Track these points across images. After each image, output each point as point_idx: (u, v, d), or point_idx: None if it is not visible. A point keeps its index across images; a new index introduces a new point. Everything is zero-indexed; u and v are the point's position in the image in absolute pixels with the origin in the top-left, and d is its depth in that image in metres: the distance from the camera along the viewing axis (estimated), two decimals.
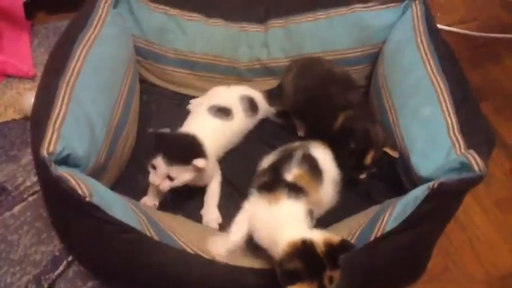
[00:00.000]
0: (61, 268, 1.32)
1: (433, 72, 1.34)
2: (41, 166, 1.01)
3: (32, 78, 1.81)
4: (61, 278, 1.30)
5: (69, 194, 0.97)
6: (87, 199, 0.98)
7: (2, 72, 1.81)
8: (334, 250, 1.00)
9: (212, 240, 1.16)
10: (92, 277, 1.30)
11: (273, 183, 1.16)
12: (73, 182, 0.98)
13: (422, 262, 1.22)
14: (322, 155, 1.32)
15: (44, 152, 1.00)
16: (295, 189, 1.14)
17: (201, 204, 1.36)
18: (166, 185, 1.24)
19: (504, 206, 1.54)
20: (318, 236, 1.02)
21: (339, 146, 1.35)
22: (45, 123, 1.06)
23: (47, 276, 1.30)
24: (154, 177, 1.24)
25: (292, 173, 1.19)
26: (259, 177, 1.25)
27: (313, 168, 1.25)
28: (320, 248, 1.00)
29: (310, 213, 1.14)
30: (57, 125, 1.06)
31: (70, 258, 1.33)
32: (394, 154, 1.35)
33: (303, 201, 1.13)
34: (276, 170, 1.22)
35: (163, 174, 1.23)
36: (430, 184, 1.07)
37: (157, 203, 1.34)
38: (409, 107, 1.35)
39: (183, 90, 1.67)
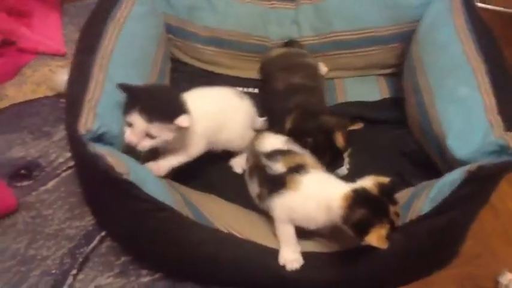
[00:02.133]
0: (94, 243, 1.33)
1: (470, 52, 1.31)
2: (77, 144, 1.02)
3: (63, 56, 1.83)
4: (94, 253, 1.32)
5: (106, 171, 0.98)
6: (125, 177, 0.99)
7: (34, 50, 1.83)
8: (388, 188, 1.03)
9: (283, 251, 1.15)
10: (124, 253, 1.31)
11: (279, 178, 1.14)
12: (110, 159, 0.98)
13: (455, 246, 1.22)
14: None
15: (81, 130, 1.01)
16: (299, 168, 1.13)
17: None
18: (146, 144, 1.11)
19: None
20: (366, 182, 1.04)
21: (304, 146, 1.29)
22: (80, 102, 1.07)
23: (81, 251, 1.32)
24: (131, 136, 1.10)
25: (282, 163, 1.17)
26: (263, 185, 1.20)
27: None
28: (374, 190, 1.02)
29: None
30: (92, 104, 1.07)
31: (103, 234, 1.35)
32: (359, 126, 1.35)
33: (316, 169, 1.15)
34: (264, 170, 1.18)
35: (142, 132, 1.10)
36: (468, 167, 1.05)
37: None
38: (446, 87, 1.32)
39: (212, 68, 1.67)
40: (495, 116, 1.18)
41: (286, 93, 1.45)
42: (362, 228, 0.98)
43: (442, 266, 1.24)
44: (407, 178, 1.34)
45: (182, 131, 1.13)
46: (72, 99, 1.10)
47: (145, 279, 1.27)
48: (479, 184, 1.09)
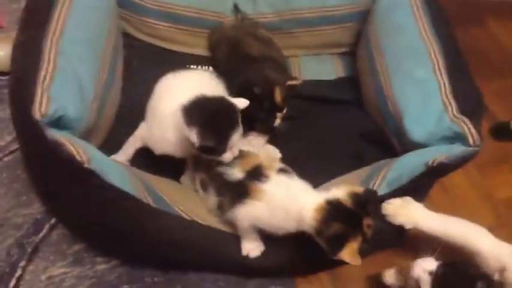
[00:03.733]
0: (44, 231, 1.26)
1: (426, 34, 1.34)
2: (32, 130, 0.93)
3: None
4: (44, 242, 1.25)
5: (65, 159, 0.91)
6: (86, 165, 0.92)
7: None
8: (361, 199, 1.00)
9: None
10: (77, 241, 1.25)
11: (239, 186, 1.09)
12: (70, 147, 0.91)
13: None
14: None
15: (37, 114, 0.92)
16: (257, 174, 1.08)
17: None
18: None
19: (483, 168, 1.57)
20: (339, 192, 1.01)
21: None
22: (32, 82, 0.98)
23: (30, 240, 1.24)
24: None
25: (238, 167, 1.12)
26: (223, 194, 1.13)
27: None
28: (347, 201, 0.99)
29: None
30: (46, 85, 0.98)
31: (53, 221, 1.28)
32: (297, 82, 1.35)
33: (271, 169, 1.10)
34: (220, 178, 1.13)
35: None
36: (429, 161, 1.08)
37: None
38: (403, 69, 1.34)
39: (165, 45, 1.60)
40: (449, 97, 1.22)
41: (240, 58, 1.43)
42: (336, 243, 0.96)
43: (397, 244, 1.27)
44: (366, 159, 1.36)
45: None
46: (21, 79, 1.01)
47: (101, 266, 1.23)
48: (437, 175, 1.14)
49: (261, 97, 1.26)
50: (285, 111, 1.32)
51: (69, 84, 1.05)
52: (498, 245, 1.08)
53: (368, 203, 1.00)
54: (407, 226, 1.12)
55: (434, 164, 1.07)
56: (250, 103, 1.13)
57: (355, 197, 0.99)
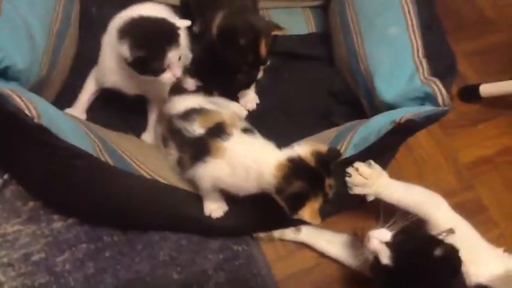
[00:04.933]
0: None
1: None
2: None
3: None
4: None
5: (12, 114, 0.85)
6: (36, 120, 0.86)
7: None
8: (325, 158, 0.97)
9: None
10: (32, 197, 1.20)
11: (200, 143, 1.05)
12: (18, 100, 0.85)
13: None
14: None
15: None
16: (218, 131, 1.04)
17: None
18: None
19: (448, 128, 1.58)
20: (302, 150, 0.97)
21: (228, 48, 1.21)
22: None
23: None
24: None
25: (197, 123, 1.08)
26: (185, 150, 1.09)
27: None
28: (310, 160, 0.95)
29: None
30: None
31: (6, 177, 1.20)
32: (283, 32, 1.26)
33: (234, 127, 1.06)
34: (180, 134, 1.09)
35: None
36: (397, 119, 1.05)
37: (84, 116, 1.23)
38: (376, 27, 1.30)
39: None
40: (421, 58, 1.19)
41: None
42: (296, 201, 0.93)
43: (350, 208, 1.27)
44: (334, 118, 1.34)
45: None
46: None
47: (58, 224, 1.18)
48: (404, 134, 1.12)
49: (245, 49, 1.18)
50: (268, 63, 1.24)
51: (17, 32, 0.97)
52: (451, 216, 1.10)
53: (331, 163, 0.97)
54: (370, 198, 1.12)
55: (402, 121, 1.04)
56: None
57: (318, 155, 0.96)
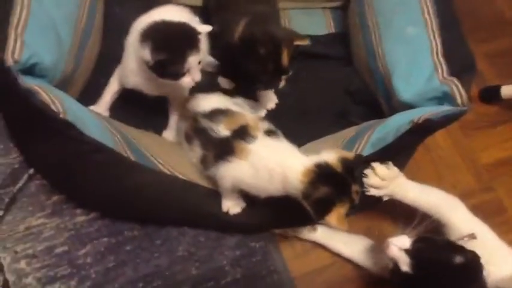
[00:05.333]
0: (22, 182, 1.22)
1: None
2: (4, 76, 0.89)
3: None
4: (22, 193, 1.21)
5: (39, 109, 0.88)
6: (61, 116, 0.89)
7: None
8: (352, 164, 0.98)
9: None
10: (56, 191, 1.22)
11: (225, 143, 1.06)
12: (45, 96, 0.88)
13: None
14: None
15: (9, 61, 0.87)
16: (243, 133, 1.06)
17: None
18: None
19: (467, 129, 1.57)
20: (330, 156, 0.98)
21: (249, 59, 1.19)
22: (5, 27, 0.92)
23: (7, 190, 1.20)
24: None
25: (223, 124, 1.09)
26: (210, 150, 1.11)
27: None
28: (337, 166, 0.96)
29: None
30: (19, 30, 0.93)
31: (31, 172, 1.24)
32: (304, 42, 1.23)
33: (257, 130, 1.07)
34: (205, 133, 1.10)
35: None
36: (415, 118, 1.05)
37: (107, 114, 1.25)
38: (394, 26, 1.31)
39: None
40: (440, 58, 1.19)
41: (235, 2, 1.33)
42: (323, 206, 0.94)
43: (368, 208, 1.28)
44: (352, 118, 1.35)
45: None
46: None
47: (81, 218, 1.21)
48: (423, 134, 1.12)
49: (266, 59, 1.17)
50: (290, 73, 1.23)
51: (44, 30, 1.00)
52: (469, 218, 1.10)
53: (356, 169, 0.98)
54: (385, 198, 1.12)
55: (420, 121, 1.04)
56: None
57: (345, 162, 0.97)
